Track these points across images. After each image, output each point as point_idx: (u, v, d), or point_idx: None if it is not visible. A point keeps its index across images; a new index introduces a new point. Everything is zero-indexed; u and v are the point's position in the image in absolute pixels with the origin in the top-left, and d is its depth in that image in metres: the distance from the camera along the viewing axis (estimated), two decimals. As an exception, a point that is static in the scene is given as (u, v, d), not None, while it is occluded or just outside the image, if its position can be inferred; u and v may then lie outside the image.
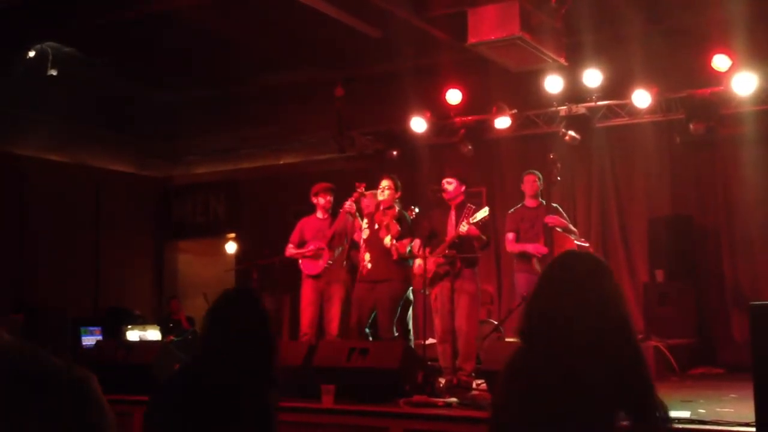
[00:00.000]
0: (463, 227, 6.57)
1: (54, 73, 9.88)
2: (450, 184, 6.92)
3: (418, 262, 6.75)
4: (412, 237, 6.96)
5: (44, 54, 9.97)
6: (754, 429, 3.96)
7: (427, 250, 6.69)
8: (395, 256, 6.87)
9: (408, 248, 6.91)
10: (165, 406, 2.48)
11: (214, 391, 2.43)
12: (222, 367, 2.46)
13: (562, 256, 2.41)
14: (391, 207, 7.04)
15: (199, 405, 2.43)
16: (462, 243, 6.69)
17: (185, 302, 11.48)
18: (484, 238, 6.72)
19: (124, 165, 12.22)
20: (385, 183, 7.08)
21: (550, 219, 7.22)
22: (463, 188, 6.99)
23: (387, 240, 6.87)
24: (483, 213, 6.57)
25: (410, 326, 7.22)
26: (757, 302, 4.12)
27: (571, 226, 7.47)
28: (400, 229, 6.89)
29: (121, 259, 11.86)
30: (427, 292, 6.77)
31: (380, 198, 7.08)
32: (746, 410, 4.31)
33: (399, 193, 7.14)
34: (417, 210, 7.35)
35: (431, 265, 6.71)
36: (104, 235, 11.61)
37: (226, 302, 2.62)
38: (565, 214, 7.56)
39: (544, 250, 7.08)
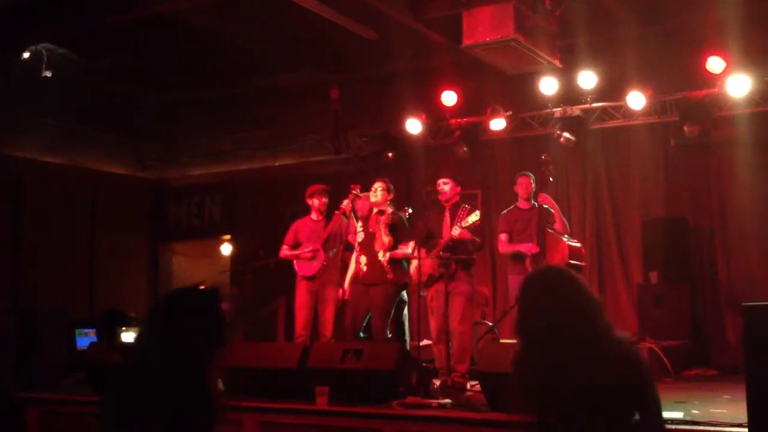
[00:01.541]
0: (455, 231, 6.61)
1: (48, 74, 9.86)
2: (446, 185, 6.95)
3: (414, 263, 6.77)
4: (410, 238, 6.97)
5: (39, 55, 9.95)
6: (746, 430, 3.98)
7: (423, 251, 6.71)
8: (390, 275, 6.88)
9: (408, 250, 6.94)
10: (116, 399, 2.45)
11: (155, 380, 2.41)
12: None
13: (531, 276, 2.72)
14: (383, 212, 7.03)
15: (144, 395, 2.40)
16: (456, 245, 6.72)
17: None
18: (477, 240, 6.76)
19: (120, 166, 12.19)
20: (377, 184, 7.12)
21: (543, 198, 7.26)
22: (459, 189, 7.02)
23: (381, 255, 6.91)
24: (474, 217, 6.59)
25: (406, 327, 7.23)
26: (750, 303, 4.13)
27: (563, 217, 7.49)
28: (392, 239, 6.92)
29: (116, 260, 11.83)
30: (422, 294, 6.79)
31: (372, 199, 7.11)
32: (739, 411, 4.33)
33: (391, 195, 7.16)
34: (410, 210, 7.36)
35: (427, 267, 6.73)
36: (100, 236, 11.59)
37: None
38: (555, 216, 7.57)
39: (535, 249, 7.07)
